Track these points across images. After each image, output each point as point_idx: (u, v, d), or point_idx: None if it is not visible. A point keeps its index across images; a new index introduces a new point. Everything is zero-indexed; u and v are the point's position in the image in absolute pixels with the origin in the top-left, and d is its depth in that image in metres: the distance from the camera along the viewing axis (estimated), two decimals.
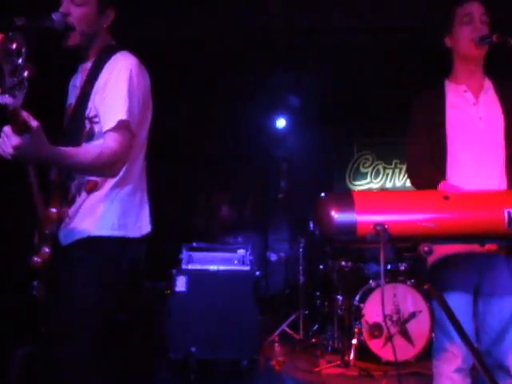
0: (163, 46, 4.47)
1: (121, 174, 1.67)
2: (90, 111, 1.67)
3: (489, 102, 1.91)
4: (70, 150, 1.57)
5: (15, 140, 1.35)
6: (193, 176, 6.11)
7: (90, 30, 1.70)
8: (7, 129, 1.38)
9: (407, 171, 2.01)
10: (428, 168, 1.87)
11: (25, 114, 1.32)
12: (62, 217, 1.67)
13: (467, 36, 1.85)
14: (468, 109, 1.90)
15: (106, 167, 1.59)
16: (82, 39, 1.70)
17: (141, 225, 1.74)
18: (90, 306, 1.59)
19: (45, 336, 1.73)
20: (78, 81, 1.80)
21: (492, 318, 1.78)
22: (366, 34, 4.50)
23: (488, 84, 1.95)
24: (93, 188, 1.67)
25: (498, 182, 1.82)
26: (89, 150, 1.61)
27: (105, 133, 1.61)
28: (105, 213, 1.66)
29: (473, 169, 1.83)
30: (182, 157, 5.99)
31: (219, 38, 4.47)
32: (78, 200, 1.68)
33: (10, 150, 1.37)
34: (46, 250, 1.62)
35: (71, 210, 1.68)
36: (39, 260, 1.62)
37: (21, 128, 1.34)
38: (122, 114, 1.59)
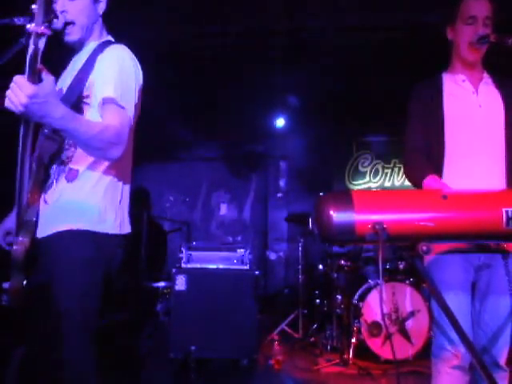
0: (162, 47, 4.48)
1: (106, 168, 1.63)
2: (83, 93, 1.62)
3: (488, 92, 1.91)
4: (79, 116, 1.48)
5: (30, 88, 1.24)
6: (192, 175, 6.13)
7: (89, 20, 1.69)
8: (19, 77, 1.27)
9: (403, 162, 2.01)
10: (421, 160, 1.86)
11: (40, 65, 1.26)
12: (39, 202, 1.59)
13: (467, 39, 1.86)
14: (467, 97, 1.90)
15: (108, 144, 1.50)
16: (83, 32, 1.69)
17: (121, 222, 1.69)
18: (74, 303, 1.54)
19: (31, 337, 1.64)
20: (69, 70, 1.76)
21: (488, 315, 1.80)
22: (366, 34, 4.50)
23: (487, 76, 1.95)
24: (73, 177, 1.61)
25: (497, 170, 1.82)
26: (95, 122, 1.54)
27: (103, 105, 1.56)
28: (87, 207, 1.60)
29: (472, 157, 1.82)
30: (182, 156, 6.00)
31: (219, 38, 4.48)
32: (57, 188, 1.62)
33: (22, 100, 1.24)
34: (26, 239, 1.48)
35: (49, 197, 1.62)
36: (20, 248, 1.46)
37: (36, 76, 1.24)
38: (113, 93, 1.56)
